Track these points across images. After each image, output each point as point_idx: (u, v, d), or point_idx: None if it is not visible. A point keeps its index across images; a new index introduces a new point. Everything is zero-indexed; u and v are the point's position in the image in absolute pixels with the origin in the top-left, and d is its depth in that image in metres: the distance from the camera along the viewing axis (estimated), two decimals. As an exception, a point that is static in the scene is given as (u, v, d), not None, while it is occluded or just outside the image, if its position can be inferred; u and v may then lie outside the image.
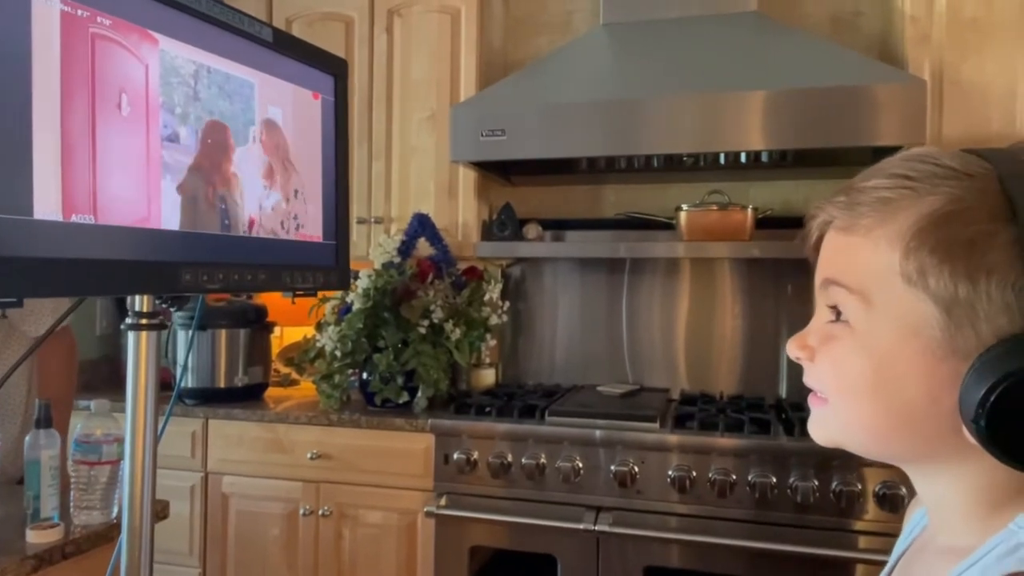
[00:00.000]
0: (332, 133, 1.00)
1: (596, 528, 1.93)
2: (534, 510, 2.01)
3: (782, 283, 2.48)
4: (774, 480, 1.87)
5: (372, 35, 2.54)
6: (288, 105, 0.92)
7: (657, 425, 2.00)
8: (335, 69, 1.00)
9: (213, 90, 0.80)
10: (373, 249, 2.43)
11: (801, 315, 2.45)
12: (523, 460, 2.03)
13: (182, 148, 0.76)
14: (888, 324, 0.52)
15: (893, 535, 0.71)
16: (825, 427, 0.59)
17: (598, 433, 1.99)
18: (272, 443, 2.28)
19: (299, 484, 2.25)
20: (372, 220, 2.53)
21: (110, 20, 0.68)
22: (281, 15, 2.61)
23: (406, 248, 2.36)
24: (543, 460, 2.02)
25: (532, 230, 2.56)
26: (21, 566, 1.20)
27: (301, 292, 0.94)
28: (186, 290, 0.77)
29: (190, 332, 2.41)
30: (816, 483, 1.84)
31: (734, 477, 1.89)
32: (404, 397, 2.26)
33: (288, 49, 0.92)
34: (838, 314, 0.56)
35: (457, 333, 2.29)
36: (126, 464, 0.83)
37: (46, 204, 0.63)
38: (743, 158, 2.32)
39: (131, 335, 0.82)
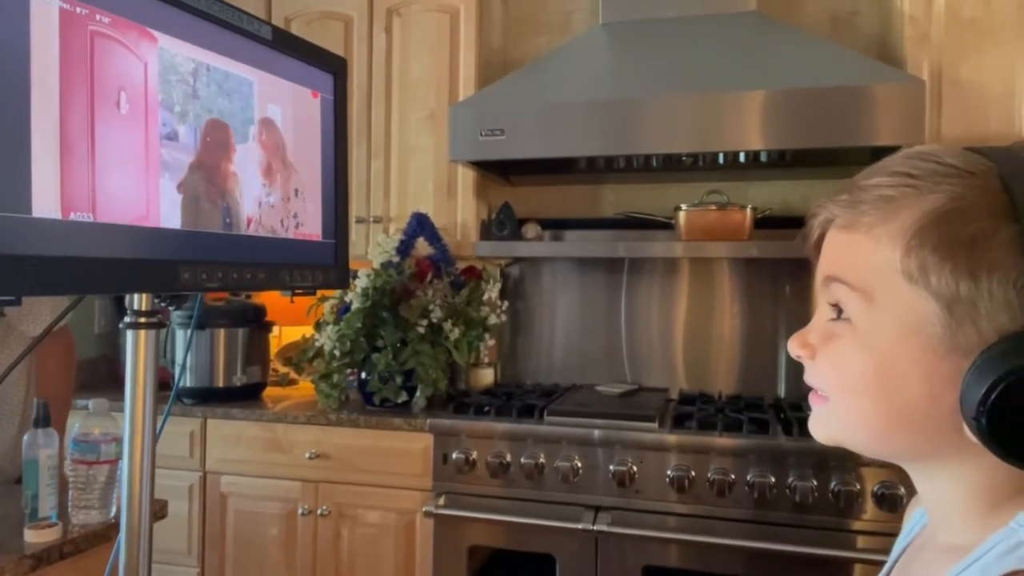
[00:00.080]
0: (331, 132, 1.00)
1: (595, 528, 1.93)
2: (533, 510, 2.01)
3: (781, 283, 2.48)
4: (773, 480, 1.87)
5: (371, 34, 2.54)
6: (287, 103, 0.92)
7: (656, 425, 2.00)
8: (334, 67, 1.00)
9: (212, 88, 0.80)
10: (372, 248, 2.43)
11: (800, 315, 2.45)
12: (522, 460, 2.03)
13: (181, 146, 0.76)
14: (889, 322, 0.52)
15: (892, 535, 0.72)
16: (826, 425, 0.58)
17: (597, 433, 1.99)
18: (271, 443, 2.27)
19: (298, 484, 2.25)
20: (371, 219, 2.53)
21: (109, 18, 0.68)
22: (280, 14, 2.61)
23: (405, 247, 2.36)
24: (542, 460, 2.02)
25: (531, 230, 2.56)
26: (19, 566, 1.20)
27: (300, 291, 0.94)
28: (185, 289, 0.77)
29: (189, 331, 2.41)
30: (815, 483, 1.84)
31: (733, 477, 1.89)
32: (403, 397, 2.26)
33: (287, 47, 0.91)
34: (839, 312, 0.56)
35: (456, 333, 2.29)
36: (124, 463, 0.83)
37: (44, 202, 0.62)
38: (742, 158, 2.32)
39: (130, 334, 0.82)
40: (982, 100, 2.04)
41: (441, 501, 2.09)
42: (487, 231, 2.53)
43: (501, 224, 2.49)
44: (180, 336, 2.44)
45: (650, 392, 2.46)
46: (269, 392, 2.62)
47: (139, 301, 0.82)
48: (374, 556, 2.18)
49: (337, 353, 2.28)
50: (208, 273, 0.79)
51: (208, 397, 2.42)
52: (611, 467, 1.96)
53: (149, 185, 0.73)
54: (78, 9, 0.65)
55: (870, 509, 1.82)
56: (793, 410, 2.09)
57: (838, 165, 2.30)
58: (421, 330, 2.26)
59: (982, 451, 0.49)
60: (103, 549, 1.34)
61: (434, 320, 2.28)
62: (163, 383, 2.32)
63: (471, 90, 2.44)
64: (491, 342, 2.51)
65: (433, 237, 2.38)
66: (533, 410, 2.11)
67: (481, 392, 2.43)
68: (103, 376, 2.76)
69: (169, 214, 0.75)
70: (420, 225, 2.37)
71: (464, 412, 2.15)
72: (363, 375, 2.34)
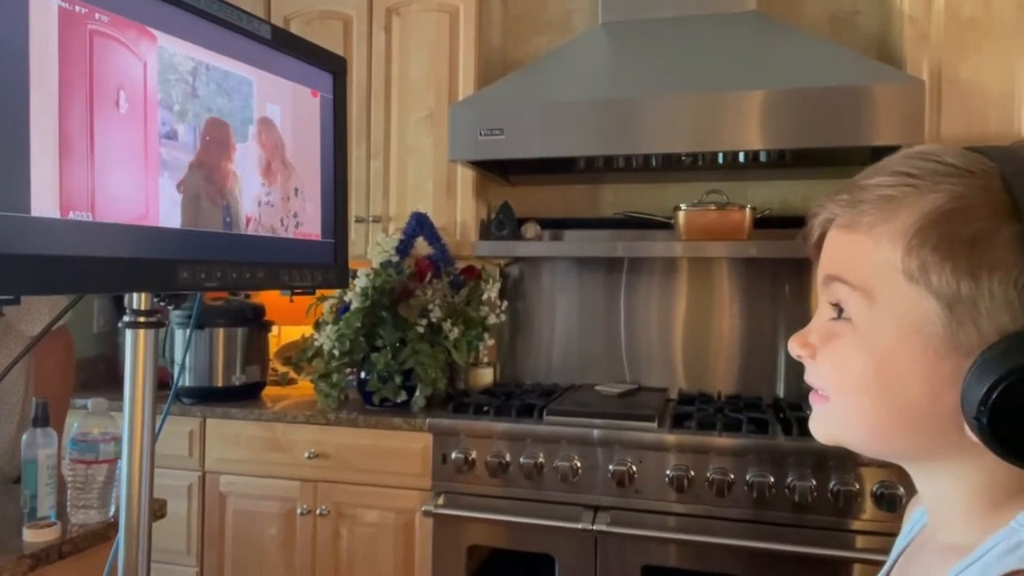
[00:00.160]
0: (331, 131, 0.99)
1: (594, 527, 1.93)
2: (532, 509, 2.01)
3: (780, 283, 2.48)
4: (772, 480, 1.87)
5: (370, 34, 2.54)
6: (287, 103, 0.92)
7: (655, 425, 2.00)
8: (334, 67, 1.00)
9: (212, 87, 0.80)
10: (371, 248, 2.42)
11: (799, 315, 2.45)
12: (521, 459, 2.03)
13: (180, 145, 0.76)
14: (890, 321, 0.52)
15: (891, 535, 0.72)
16: (826, 425, 0.58)
17: (596, 432, 1.99)
18: (270, 442, 2.27)
19: (296, 483, 2.25)
20: (370, 219, 2.52)
21: (108, 17, 0.68)
22: (279, 13, 2.61)
23: (404, 247, 2.36)
24: (541, 459, 2.02)
25: (530, 229, 2.56)
26: (18, 565, 1.19)
27: (299, 290, 0.94)
28: (184, 288, 0.77)
29: (188, 331, 2.41)
30: (814, 483, 1.84)
31: (732, 477, 1.89)
32: (402, 396, 2.26)
33: (287, 47, 0.91)
34: (840, 312, 0.56)
35: (455, 332, 2.29)
36: (123, 463, 0.83)
37: (43, 201, 0.62)
38: (741, 158, 2.32)
39: (129, 333, 0.82)
40: (981, 100, 2.04)
41: (440, 501, 2.09)
42: (486, 231, 2.53)
43: (500, 224, 2.49)
44: (179, 335, 2.43)
45: (649, 392, 2.46)
46: (268, 392, 2.62)
47: (138, 300, 0.82)
48: (373, 556, 2.18)
49: (336, 353, 2.28)
50: (207, 272, 0.79)
51: (207, 396, 2.42)
52: (610, 467, 1.96)
53: (148, 184, 0.72)
54: (77, 8, 0.65)
55: (869, 509, 1.82)
56: (792, 410, 2.09)
57: (837, 165, 2.30)
58: (420, 330, 2.26)
59: (983, 451, 0.49)
60: (102, 549, 1.34)
61: (433, 320, 2.28)
62: (162, 382, 2.32)
63: (470, 90, 2.44)
64: (490, 342, 2.51)
65: (432, 237, 2.38)
66: (532, 410, 2.11)
67: (480, 392, 2.43)
68: (102, 375, 2.76)
69: (168, 213, 0.75)
70: (419, 225, 2.36)
71: (463, 412, 2.15)
72: (362, 375, 2.34)
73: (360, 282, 2.30)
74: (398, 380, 2.26)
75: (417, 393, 2.25)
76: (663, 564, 1.94)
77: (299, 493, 2.24)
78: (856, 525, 1.83)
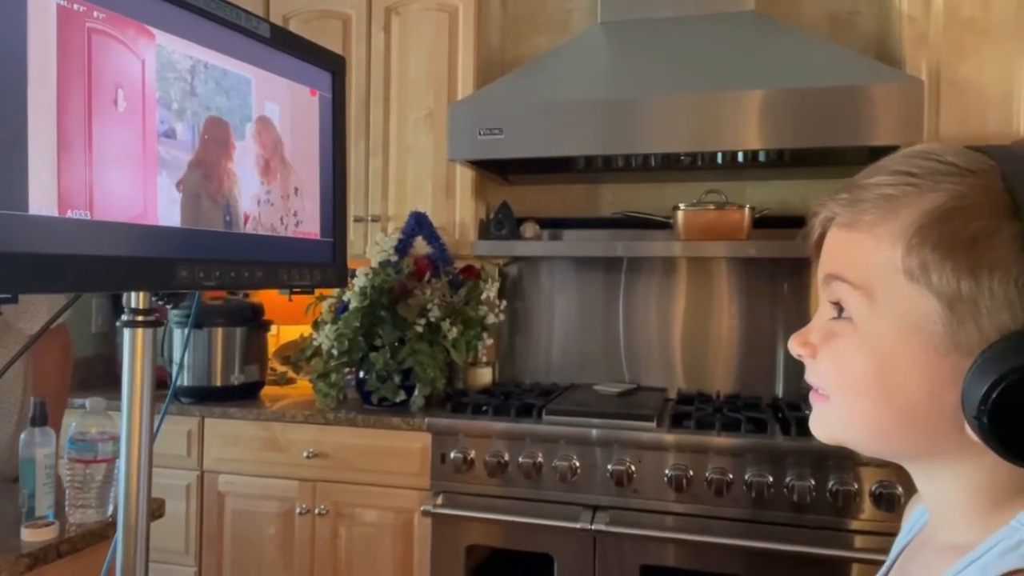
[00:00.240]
0: (330, 130, 0.99)
1: (593, 527, 1.93)
2: (531, 509, 2.01)
3: (779, 282, 2.48)
4: (771, 479, 1.87)
5: (370, 33, 2.53)
6: (285, 102, 0.91)
7: (654, 424, 2.00)
8: (333, 66, 1.00)
9: (210, 86, 0.80)
10: (370, 248, 2.42)
11: (798, 314, 2.45)
12: (520, 459, 2.03)
13: (179, 144, 0.76)
14: (890, 320, 0.52)
15: (889, 534, 0.72)
16: (827, 424, 0.58)
17: (595, 432, 1.99)
18: (268, 442, 2.27)
19: (295, 483, 2.24)
20: (369, 218, 2.52)
21: (107, 15, 0.68)
22: (278, 12, 2.61)
23: (403, 247, 2.36)
24: (540, 459, 2.02)
25: (529, 229, 2.56)
26: (16, 565, 1.19)
27: (298, 290, 0.94)
28: (182, 287, 0.76)
29: (186, 330, 2.41)
30: (812, 482, 1.84)
31: (731, 476, 1.89)
32: (401, 396, 2.26)
33: (286, 45, 0.91)
34: (840, 311, 0.56)
35: (454, 332, 2.29)
36: (122, 462, 0.83)
37: (41, 200, 0.62)
38: (740, 157, 2.32)
39: (127, 332, 0.82)
40: (980, 100, 2.04)
41: (439, 500, 2.08)
42: (485, 230, 2.53)
43: (499, 223, 2.49)
44: (178, 335, 2.43)
45: (648, 392, 2.46)
46: (267, 391, 2.61)
47: (136, 299, 0.82)
48: (372, 555, 2.18)
49: (335, 352, 2.27)
50: (206, 271, 0.78)
51: (206, 396, 2.42)
52: (609, 466, 1.96)
53: (146, 183, 0.72)
54: (76, 6, 0.65)
55: (868, 509, 1.82)
56: (791, 410, 2.09)
57: (836, 165, 2.30)
58: (419, 329, 2.26)
59: (983, 450, 0.49)
60: (100, 548, 1.33)
61: (432, 319, 2.28)
62: (160, 382, 2.31)
63: (470, 89, 2.43)
64: (489, 341, 2.50)
65: (431, 236, 2.38)
66: (531, 409, 2.11)
67: (479, 391, 2.43)
68: (100, 375, 2.75)
69: (167, 212, 0.75)
70: (418, 224, 2.36)
71: (462, 411, 2.15)
72: (361, 374, 2.33)
73: (359, 281, 2.30)
74: (397, 380, 2.26)
75: (416, 393, 2.25)
76: (662, 564, 1.94)
77: (298, 493, 2.24)
78: (855, 525, 1.83)
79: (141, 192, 0.72)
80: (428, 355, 2.24)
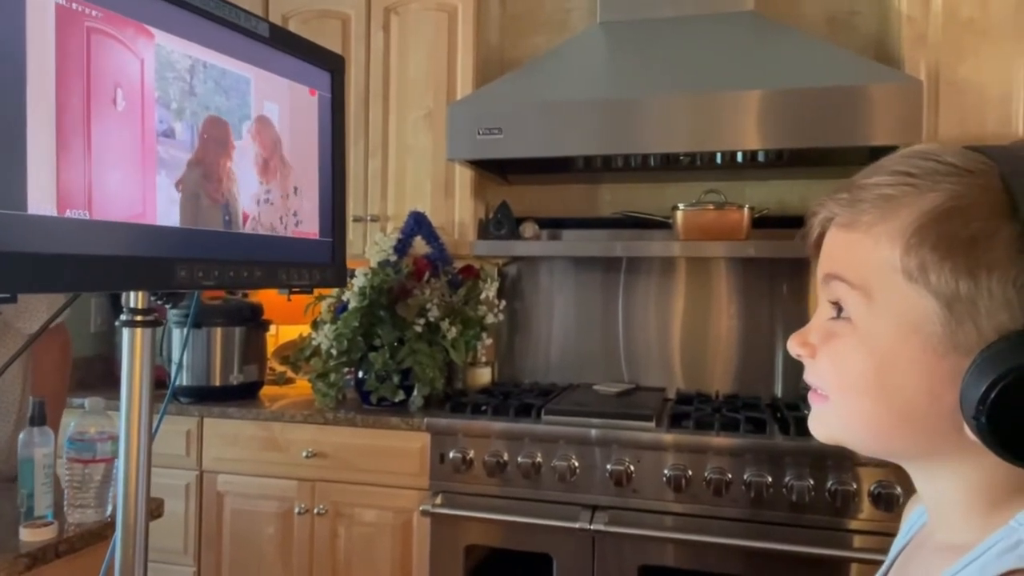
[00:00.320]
0: (329, 130, 0.99)
1: (592, 527, 1.93)
2: (530, 509, 2.01)
3: (778, 282, 2.48)
4: (769, 479, 1.87)
5: (369, 33, 2.53)
6: (285, 101, 0.91)
7: (653, 424, 2.00)
8: (332, 65, 1.00)
9: (209, 85, 0.80)
10: (369, 247, 2.42)
11: (797, 314, 2.45)
12: (519, 459, 2.03)
13: (178, 144, 0.76)
14: (889, 320, 0.52)
15: (888, 534, 0.72)
16: (826, 424, 0.58)
17: (594, 432, 1.99)
18: (267, 441, 2.27)
19: (294, 483, 2.24)
20: (368, 218, 2.52)
21: (105, 14, 0.68)
22: (277, 12, 2.60)
23: (402, 246, 2.36)
24: (539, 459, 2.02)
25: (528, 229, 2.56)
26: (15, 564, 1.19)
27: (297, 289, 0.94)
28: (181, 287, 0.76)
29: (185, 330, 2.40)
30: (811, 482, 1.84)
31: (730, 476, 1.89)
32: (400, 396, 2.26)
33: (285, 45, 0.91)
34: (839, 311, 0.56)
35: (453, 332, 2.29)
36: (120, 462, 0.83)
37: (40, 199, 0.62)
38: (739, 157, 2.32)
39: (126, 332, 0.82)
40: (979, 100, 2.04)
41: (438, 500, 2.08)
42: (484, 230, 2.53)
43: (499, 223, 2.49)
44: (176, 334, 2.43)
45: (647, 391, 2.46)
46: (266, 391, 2.61)
47: (135, 299, 0.82)
48: (370, 555, 2.18)
49: (334, 352, 2.27)
50: (205, 271, 0.78)
51: (205, 396, 2.42)
52: (608, 466, 1.96)
53: (145, 182, 0.72)
54: (75, 5, 0.65)
55: (867, 509, 1.82)
56: (790, 410, 2.09)
57: (835, 165, 2.30)
58: (418, 329, 2.26)
59: (982, 450, 0.49)
60: (99, 548, 1.33)
61: (431, 319, 2.28)
62: (159, 382, 2.30)
63: (469, 89, 2.43)
64: (488, 341, 2.50)
65: (430, 236, 2.38)
66: (530, 409, 2.11)
67: (478, 391, 2.43)
68: (99, 375, 2.75)
69: (166, 211, 0.75)
70: (417, 224, 2.36)
71: (461, 411, 2.15)
72: (360, 374, 2.33)
73: (358, 281, 2.30)
74: (396, 379, 2.26)
75: (415, 392, 2.25)
76: (661, 563, 1.94)
77: (297, 492, 2.24)
78: (853, 525, 1.83)
79: (140, 192, 0.72)
80: (427, 355, 2.24)
